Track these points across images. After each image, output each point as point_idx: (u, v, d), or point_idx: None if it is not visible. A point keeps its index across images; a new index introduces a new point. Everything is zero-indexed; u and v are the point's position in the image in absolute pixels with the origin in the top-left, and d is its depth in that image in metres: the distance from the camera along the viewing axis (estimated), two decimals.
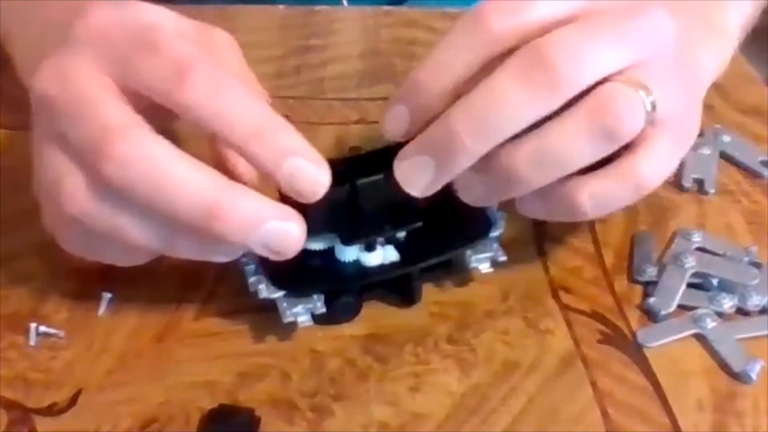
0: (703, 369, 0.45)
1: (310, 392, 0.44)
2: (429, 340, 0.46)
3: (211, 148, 0.47)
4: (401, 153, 0.43)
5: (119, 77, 0.41)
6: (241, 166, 0.45)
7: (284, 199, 0.42)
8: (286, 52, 0.67)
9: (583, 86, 0.41)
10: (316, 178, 0.41)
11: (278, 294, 0.45)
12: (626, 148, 0.43)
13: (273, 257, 0.42)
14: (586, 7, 0.42)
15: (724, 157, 0.58)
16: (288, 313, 0.45)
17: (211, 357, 0.45)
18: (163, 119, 0.42)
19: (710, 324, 0.47)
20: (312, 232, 0.42)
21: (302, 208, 0.42)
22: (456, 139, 0.41)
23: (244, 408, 0.43)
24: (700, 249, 0.51)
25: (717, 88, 0.60)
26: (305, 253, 0.43)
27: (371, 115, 0.60)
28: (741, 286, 0.48)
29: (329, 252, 0.47)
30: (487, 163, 0.42)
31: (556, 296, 0.49)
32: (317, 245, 0.46)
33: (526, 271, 0.50)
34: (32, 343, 0.46)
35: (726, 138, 0.58)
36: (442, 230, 0.48)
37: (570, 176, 0.43)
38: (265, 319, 0.46)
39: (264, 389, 0.44)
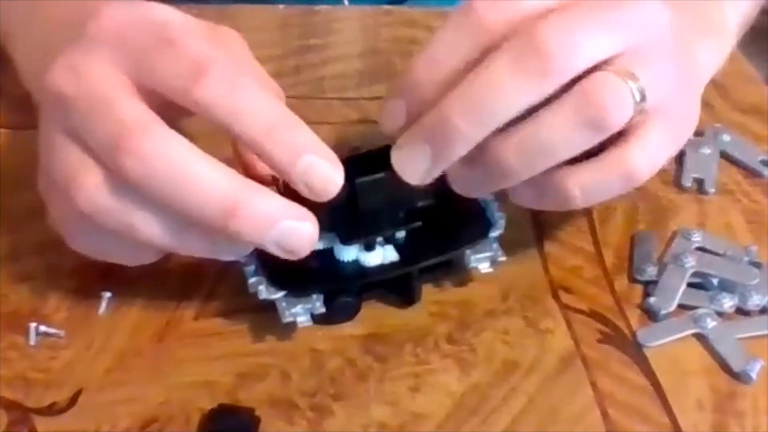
0: (703, 369, 0.45)
1: (310, 392, 0.44)
2: (429, 339, 0.46)
3: (233, 147, 0.47)
4: (398, 142, 0.43)
5: (135, 75, 0.41)
6: (260, 165, 0.46)
7: (285, 197, 0.42)
8: (286, 51, 0.67)
9: (576, 72, 0.41)
10: (330, 177, 0.41)
11: (278, 295, 0.45)
12: (619, 137, 0.43)
13: (285, 256, 0.42)
14: None
15: (724, 156, 0.58)
16: (287, 313, 0.45)
17: (211, 357, 0.45)
18: (173, 118, 0.42)
19: (710, 324, 0.47)
20: None
21: None
22: (451, 126, 0.41)
23: (244, 408, 0.43)
24: (700, 249, 0.51)
25: (717, 87, 0.60)
26: None
27: (371, 115, 0.60)
28: (741, 285, 0.48)
29: (328, 252, 0.47)
30: (477, 153, 0.42)
31: (556, 296, 0.49)
32: (317, 245, 0.46)
33: (526, 271, 0.50)
34: (32, 342, 0.46)
35: (726, 137, 0.58)
36: (442, 230, 0.48)
37: (561, 166, 0.43)
38: (265, 318, 0.46)
39: (264, 389, 0.44)
